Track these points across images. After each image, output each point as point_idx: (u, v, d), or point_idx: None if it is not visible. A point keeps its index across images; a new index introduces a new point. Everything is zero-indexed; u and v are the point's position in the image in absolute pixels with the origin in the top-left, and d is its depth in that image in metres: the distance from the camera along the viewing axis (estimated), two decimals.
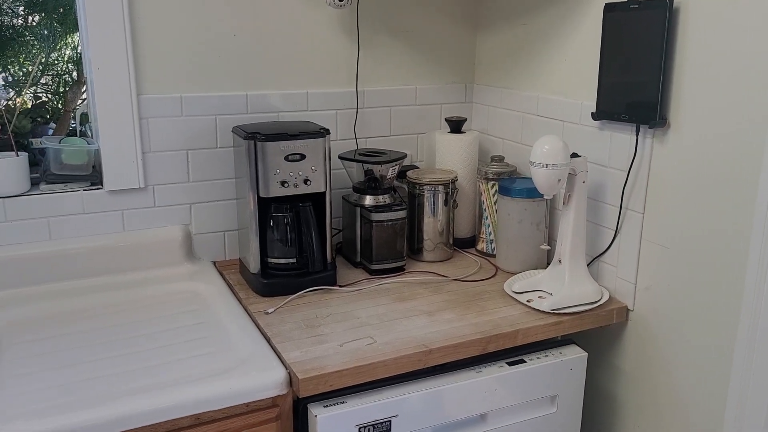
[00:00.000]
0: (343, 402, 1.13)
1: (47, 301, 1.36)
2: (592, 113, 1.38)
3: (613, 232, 1.39)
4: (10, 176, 1.38)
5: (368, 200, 1.54)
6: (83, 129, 1.60)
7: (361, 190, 1.55)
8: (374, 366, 1.14)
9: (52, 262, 1.43)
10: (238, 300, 1.39)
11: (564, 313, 1.31)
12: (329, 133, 1.41)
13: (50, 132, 1.62)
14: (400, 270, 1.54)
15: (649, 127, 1.28)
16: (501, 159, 1.63)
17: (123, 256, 1.49)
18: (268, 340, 1.21)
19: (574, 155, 1.32)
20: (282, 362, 1.14)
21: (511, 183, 1.53)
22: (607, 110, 1.35)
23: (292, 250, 1.43)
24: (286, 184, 1.37)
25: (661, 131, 1.27)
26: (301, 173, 1.38)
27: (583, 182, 1.34)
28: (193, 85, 1.50)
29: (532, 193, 1.47)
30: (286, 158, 1.36)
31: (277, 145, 1.35)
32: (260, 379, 1.09)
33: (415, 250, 1.62)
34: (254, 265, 1.42)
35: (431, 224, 1.60)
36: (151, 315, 1.32)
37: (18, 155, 1.41)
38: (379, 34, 1.67)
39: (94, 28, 1.37)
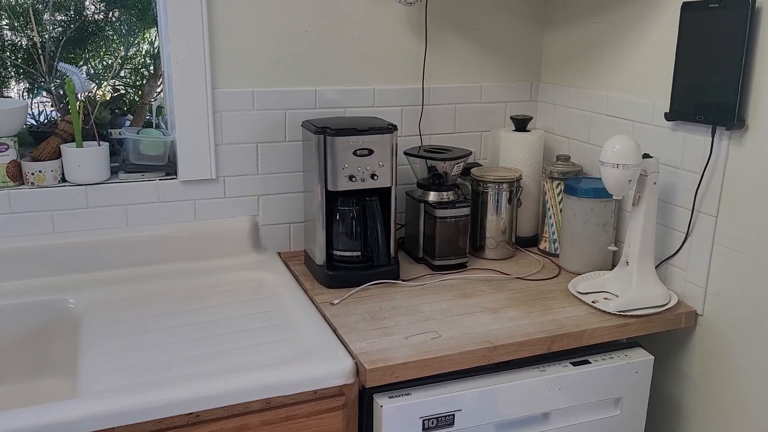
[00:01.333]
0: (408, 394, 1.15)
1: (123, 284, 1.42)
2: (666, 113, 1.36)
3: (684, 235, 1.36)
4: (93, 165, 1.45)
5: (432, 196, 1.55)
6: (158, 121, 1.66)
7: (425, 186, 1.57)
8: (439, 360, 1.15)
9: (128, 247, 1.49)
10: (304, 290, 1.42)
11: (631, 315, 1.30)
12: (397, 129, 1.43)
13: (127, 123, 1.69)
14: (462, 267, 1.55)
15: (725, 129, 1.25)
16: (567, 158, 1.61)
17: (194, 244, 1.54)
18: (335, 331, 1.24)
19: (646, 156, 1.30)
20: (349, 352, 1.16)
21: (577, 183, 1.51)
22: (682, 111, 1.33)
23: (357, 244, 1.45)
24: (353, 179, 1.40)
25: (738, 133, 1.24)
26: (368, 168, 1.40)
27: (654, 183, 1.31)
28: (265, 80, 1.54)
29: (599, 193, 1.46)
30: (355, 153, 1.39)
31: (346, 140, 1.38)
32: (328, 368, 1.12)
33: (477, 248, 1.62)
34: (320, 257, 1.45)
35: (494, 222, 1.60)
36: (221, 302, 1.37)
37: (100, 145, 1.48)
38: (447, 32, 1.68)
39: (174, 25, 1.42)
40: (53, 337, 1.36)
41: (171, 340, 1.21)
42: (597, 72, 1.59)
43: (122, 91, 1.73)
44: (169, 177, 1.53)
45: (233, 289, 1.43)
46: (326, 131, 1.38)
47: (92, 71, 1.70)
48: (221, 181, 1.56)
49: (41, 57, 1.54)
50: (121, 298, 1.38)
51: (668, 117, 1.36)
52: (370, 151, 1.40)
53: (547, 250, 1.64)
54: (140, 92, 1.70)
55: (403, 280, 1.46)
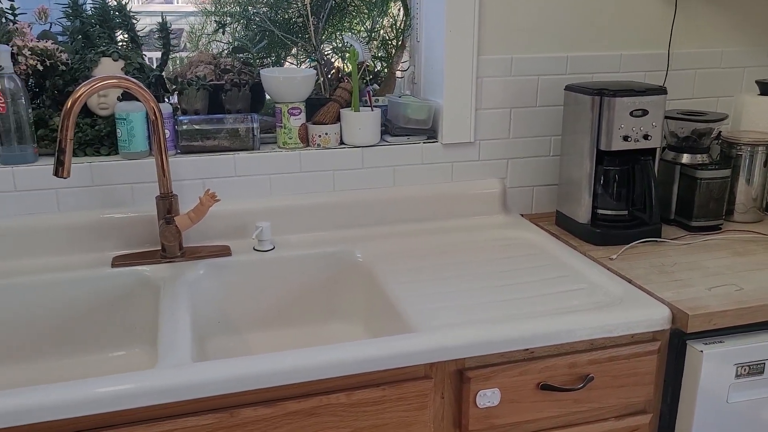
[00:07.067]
0: (721, 341, 1.19)
1: (396, 239, 1.52)
2: None
3: None
4: (369, 128, 1.56)
5: (686, 158, 1.57)
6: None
7: (678, 148, 1.59)
8: (754, 310, 1.18)
9: (396, 205, 1.59)
10: (572, 247, 1.48)
11: None
12: (666, 92, 1.46)
13: (372, 92, 1.79)
14: (716, 229, 1.56)
15: None
16: None
17: (451, 203, 1.63)
18: (630, 282, 1.29)
19: None
20: (660, 301, 1.21)
21: None
22: None
23: (622, 204, 1.50)
24: (628, 139, 1.44)
25: None
26: (642, 128, 1.44)
27: None
28: (522, 47, 1.60)
29: None
30: (631, 113, 1.43)
31: (624, 101, 1.42)
32: (646, 313, 1.17)
33: (726, 212, 1.63)
34: (584, 216, 1.50)
35: (746, 185, 1.60)
36: (497, 256, 1.44)
37: (373, 110, 1.58)
38: None
39: None
40: (343, 285, 1.47)
41: (472, 287, 1.29)
42: None
43: (368, 62, 1.83)
44: (431, 140, 1.62)
45: (502, 245, 1.51)
46: (604, 92, 1.42)
47: (338, 44, 1.82)
48: (477, 145, 1.64)
49: (314, 29, 1.66)
50: (400, 250, 1.47)
51: None
52: (645, 112, 1.43)
53: None
54: (389, 62, 1.80)
55: (667, 239, 1.49)
